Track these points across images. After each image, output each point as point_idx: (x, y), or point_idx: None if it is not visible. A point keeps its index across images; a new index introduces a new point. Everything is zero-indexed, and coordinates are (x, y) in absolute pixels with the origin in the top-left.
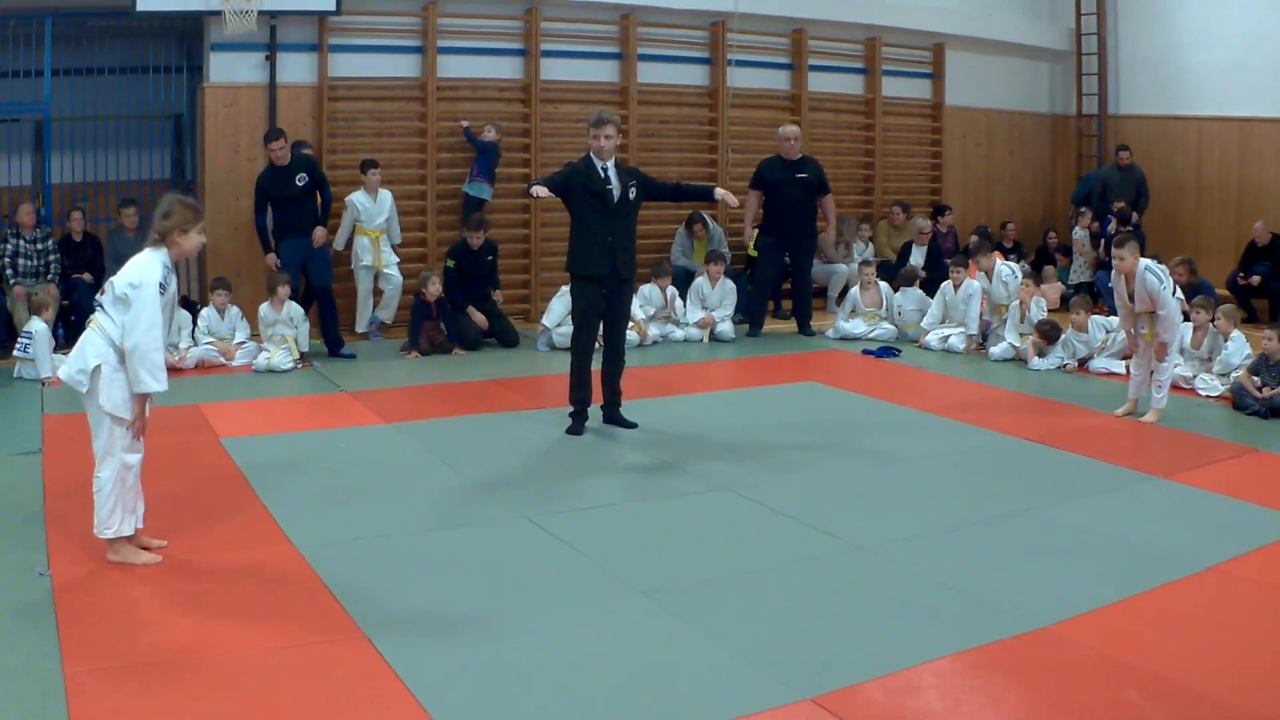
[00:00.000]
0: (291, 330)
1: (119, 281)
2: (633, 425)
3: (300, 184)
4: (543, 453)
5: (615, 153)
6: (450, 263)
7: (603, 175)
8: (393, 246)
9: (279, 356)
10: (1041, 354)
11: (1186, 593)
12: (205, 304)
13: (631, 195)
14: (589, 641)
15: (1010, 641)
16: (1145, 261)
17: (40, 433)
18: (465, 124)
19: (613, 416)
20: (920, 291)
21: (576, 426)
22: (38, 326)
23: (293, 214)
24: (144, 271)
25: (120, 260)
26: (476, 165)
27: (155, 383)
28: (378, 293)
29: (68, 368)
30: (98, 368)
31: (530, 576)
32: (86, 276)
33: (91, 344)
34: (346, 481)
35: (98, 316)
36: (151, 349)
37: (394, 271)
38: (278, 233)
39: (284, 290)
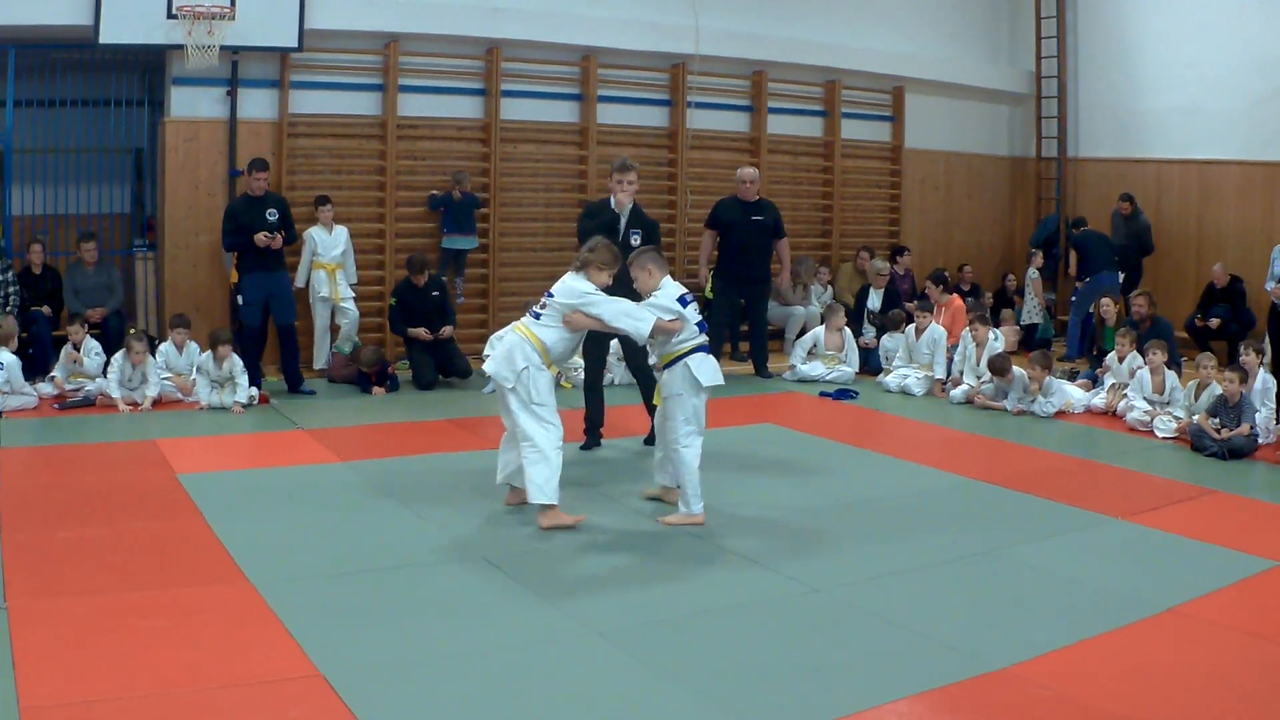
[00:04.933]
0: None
1: (562, 297)
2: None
3: (271, 218)
4: (498, 493)
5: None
6: (393, 301)
7: (616, 216)
8: (349, 285)
9: (230, 392)
10: (997, 393)
11: (1147, 634)
12: (164, 340)
13: (635, 241)
14: (546, 683)
15: (970, 683)
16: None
17: None
18: (433, 192)
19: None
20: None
21: None
22: (7, 358)
23: (259, 248)
24: (582, 285)
25: (79, 294)
26: (444, 221)
27: (644, 323)
28: (335, 328)
29: (497, 367)
30: (525, 369)
31: (487, 616)
32: (45, 309)
33: (520, 350)
34: (303, 519)
35: (526, 321)
36: (623, 311)
37: (350, 305)
38: (243, 266)
39: (224, 349)
